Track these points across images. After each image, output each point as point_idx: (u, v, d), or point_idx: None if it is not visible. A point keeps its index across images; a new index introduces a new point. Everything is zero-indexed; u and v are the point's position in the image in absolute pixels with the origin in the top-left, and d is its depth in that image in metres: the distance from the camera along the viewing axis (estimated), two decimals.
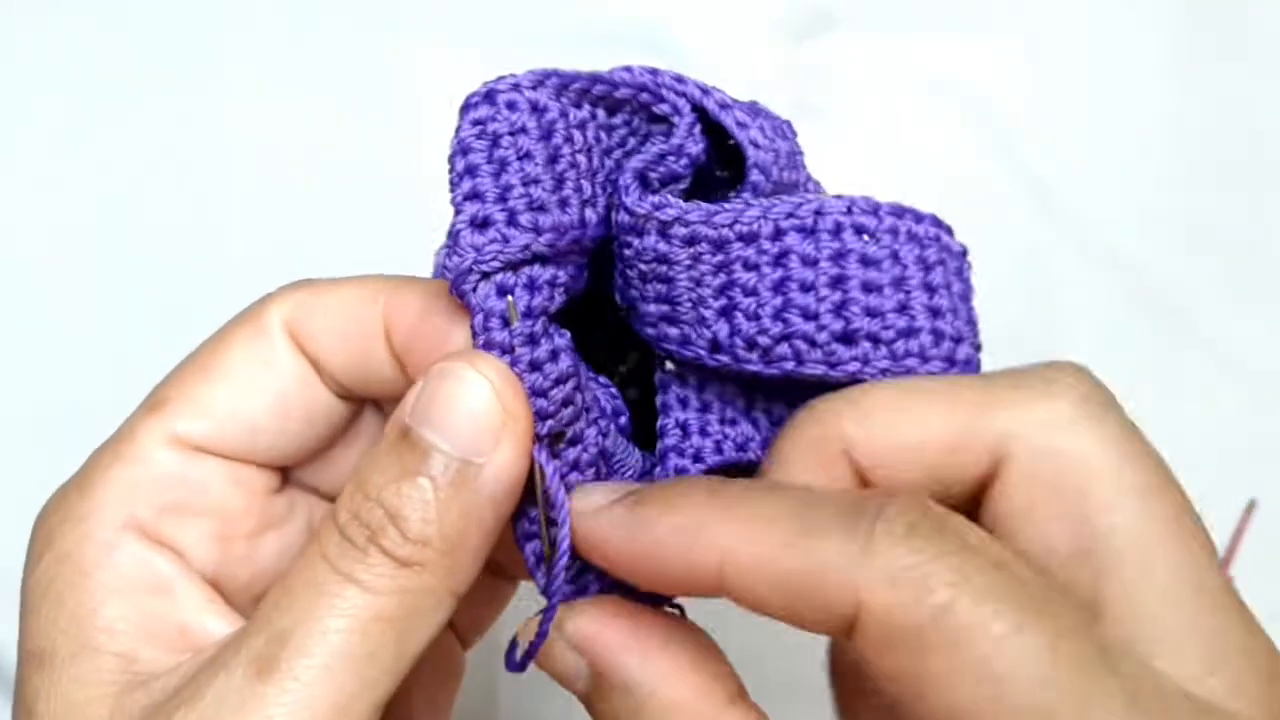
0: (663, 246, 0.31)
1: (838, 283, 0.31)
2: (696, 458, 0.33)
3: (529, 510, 0.32)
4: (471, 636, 0.40)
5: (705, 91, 0.33)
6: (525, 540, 0.32)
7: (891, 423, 0.31)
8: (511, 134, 0.30)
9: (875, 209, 0.32)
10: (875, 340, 0.31)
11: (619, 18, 0.63)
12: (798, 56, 0.63)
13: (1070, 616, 0.27)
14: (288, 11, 0.63)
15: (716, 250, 0.31)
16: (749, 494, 0.30)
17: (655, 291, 0.32)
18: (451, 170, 0.30)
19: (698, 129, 0.33)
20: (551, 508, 0.31)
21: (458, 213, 0.30)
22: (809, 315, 0.31)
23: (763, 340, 0.31)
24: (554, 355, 0.31)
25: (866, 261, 0.31)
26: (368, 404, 0.37)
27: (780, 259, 0.31)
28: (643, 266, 0.32)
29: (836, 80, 0.63)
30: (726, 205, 0.32)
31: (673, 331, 0.33)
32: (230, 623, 0.33)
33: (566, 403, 0.31)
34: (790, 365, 0.32)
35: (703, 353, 0.32)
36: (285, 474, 0.36)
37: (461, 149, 0.30)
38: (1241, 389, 0.62)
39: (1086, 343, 0.62)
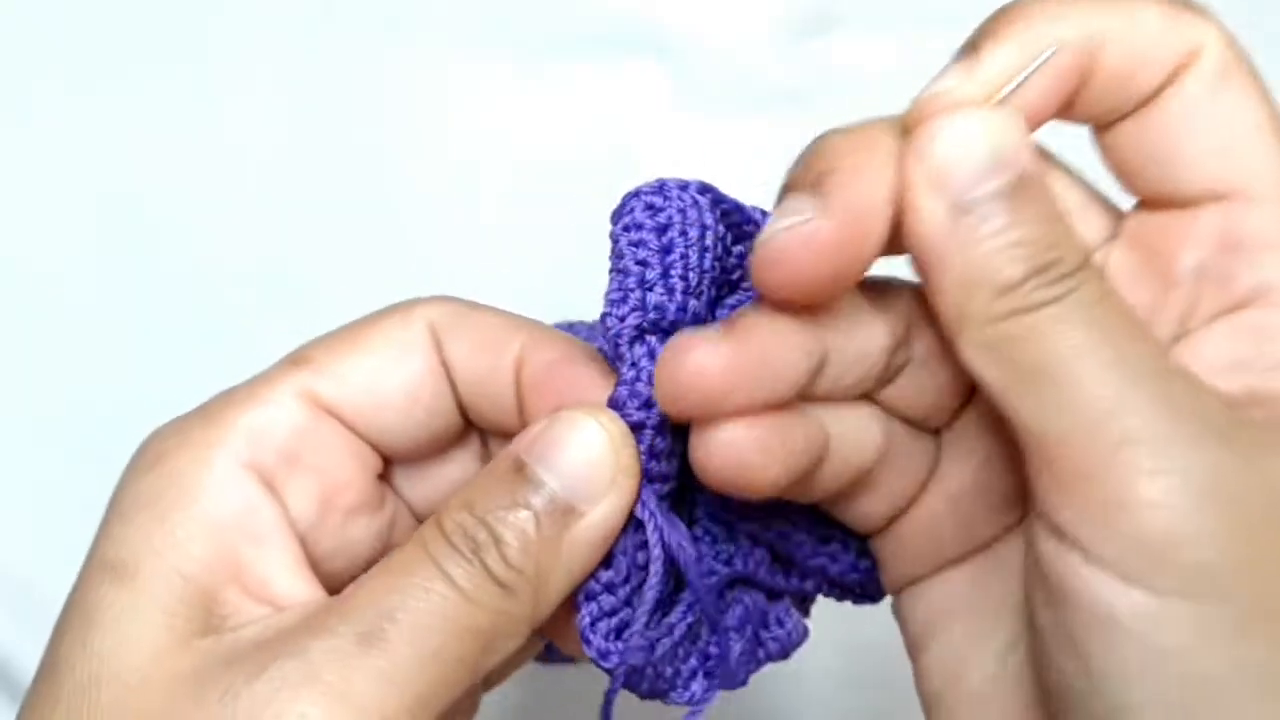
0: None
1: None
2: (728, 562, 0.35)
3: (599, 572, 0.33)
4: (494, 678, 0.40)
5: None
6: (586, 600, 0.33)
7: None
8: (682, 225, 0.33)
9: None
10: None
11: (619, 18, 0.63)
12: (798, 56, 0.63)
13: None
14: (288, 12, 0.63)
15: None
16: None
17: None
18: (620, 239, 0.33)
19: None
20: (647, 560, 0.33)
21: (626, 274, 0.33)
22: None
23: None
24: (674, 429, 0.33)
25: None
26: (472, 432, 0.38)
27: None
28: None
29: (836, 80, 0.63)
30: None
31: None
32: (311, 589, 0.33)
33: (669, 477, 0.33)
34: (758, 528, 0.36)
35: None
36: (386, 466, 0.37)
37: (636, 224, 0.33)
38: None
39: None
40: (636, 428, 0.32)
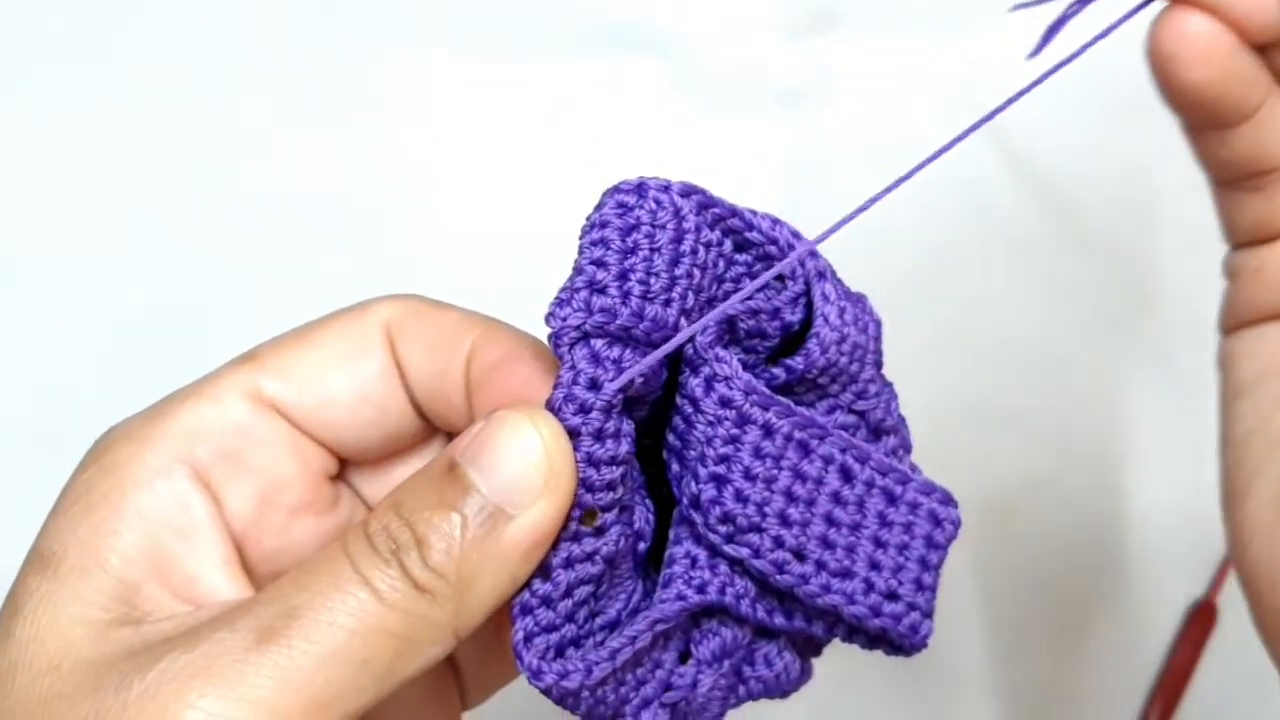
0: (699, 392, 0.33)
1: (829, 520, 0.33)
2: (701, 589, 0.33)
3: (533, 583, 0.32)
4: (475, 697, 0.39)
5: (821, 274, 0.34)
6: (521, 614, 0.32)
7: None
8: (651, 226, 0.32)
9: (904, 480, 0.34)
10: (821, 566, 0.33)
11: (619, 18, 0.63)
12: (798, 55, 0.63)
13: None
14: (288, 11, 0.62)
15: (740, 424, 0.33)
16: None
17: (678, 426, 0.34)
18: (584, 236, 0.32)
19: (802, 302, 0.34)
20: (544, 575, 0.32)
21: (579, 273, 0.32)
22: (786, 523, 0.33)
23: (739, 522, 0.33)
24: (618, 435, 0.32)
25: (862, 507, 0.34)
26: (437, 434, 0.37)
27: (784, 463, 0.33)
28: (679, 398, 0.33)
29: (836, 79, 0.63)
30: (776, 397, 0.33)
31: (674, 467, 0.34)
32: (239, 589, 0.33)
33: (611, 486, 0.32)
34: (746, 554, 0.33)
35: (684, 502, 0.33)
36: (343, 468, 0.37)
37: (601, 222, 0.32)
38: None
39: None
40: (572, 433, 0.31)
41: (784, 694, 0.36)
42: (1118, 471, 0.65)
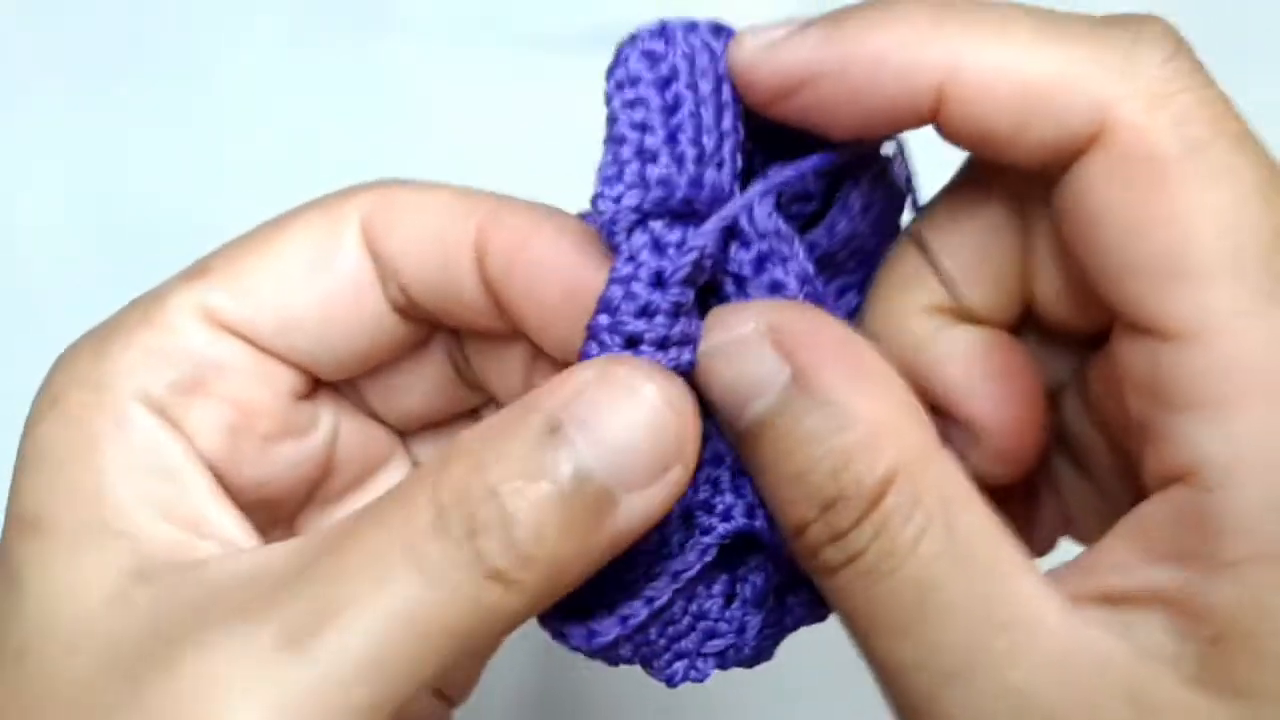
0: (748, 270, 0.28)
1: None
2: (726, 516, 0.28)
3: None
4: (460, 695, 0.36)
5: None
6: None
7: (997, 47, 0.26)
8: (689, 76, 0.27)
9: None
10: None
11: (619, 18, 0.63)
12: None
13: None
14: (287, 10, 0.62)
15: None
16: (977, 4, 0.26)
17: (713, 306, 0.29)
18: (614, 98, 0.27)
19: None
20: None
21: (619, 141, 0.26)
22: None
23: None
24: (685, 342, 0.27)
25: None
26: (436, 334, 0.33)
27: None
28: (719, 273, 0.28)
29: None
30: (827, 292, 0.29)
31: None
32: (235, 518, 0.30)
33: None
34: None
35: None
36: (317, 381, 0.32)
37: (631, 78, 0.27)
38: None
39: None
40: (632, 341, 0.26)
41: (822, 617, 0.31)
42: None
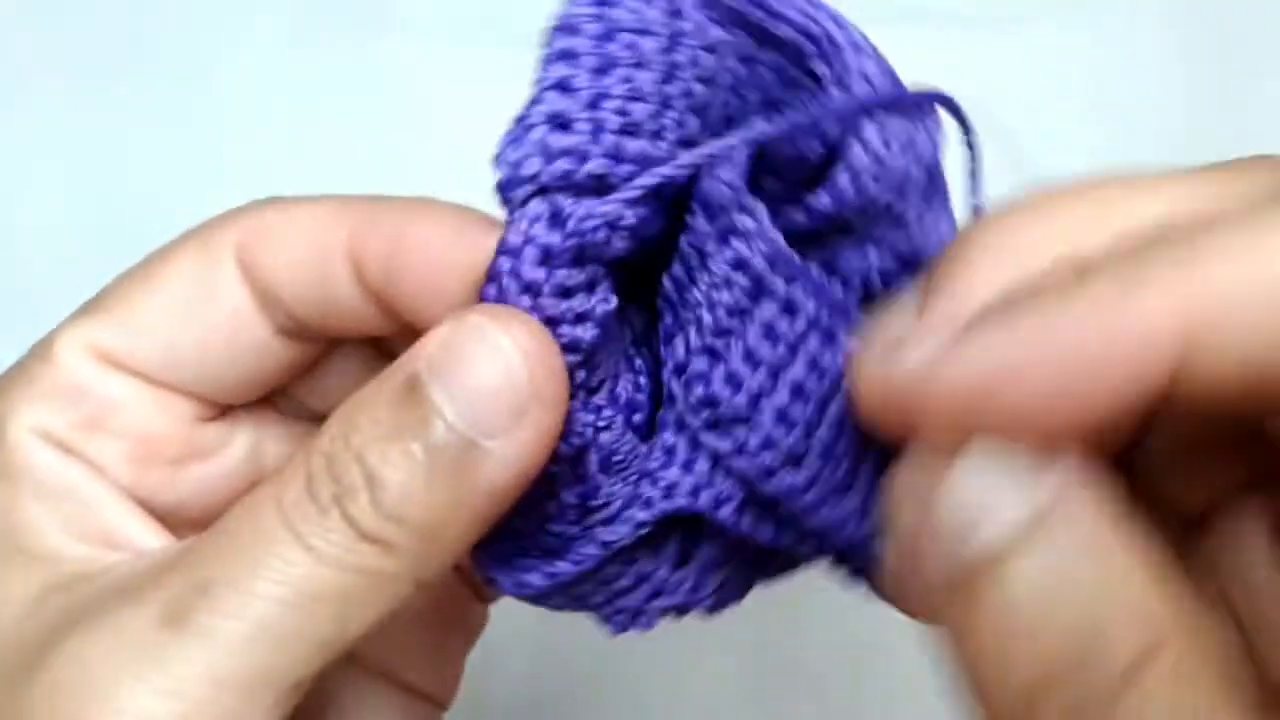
0: (710, 244, 0.25)
1: (839, 425, 0.25)
2: (668, 493, 0.26)
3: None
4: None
5: (865, 62, 0.25)
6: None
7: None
8: (633, 32, 0.24)
9: None
10: (812, 481, 0.26)
11: None
12: None
13: None
14: (287, 10, 0.62)
15: (754, 294, 0.25)
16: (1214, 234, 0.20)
17: (677, 274, 0.26)
18: (547, 49, 0.24)
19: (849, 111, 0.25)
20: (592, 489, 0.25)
21: (536, 102, 0.24)
22: (784, 421, 0.25)
23: (723, 411, 0.25)
24: (581, 319, 0.25)
25: None
26: (347, 344, 0.32)
27: (801, 351, 0.25)
28: (683, 239, 0.26)
29: None
30: (808, 268, 0.25)
31: (668, 320, 0.27)
32: (156, 533, 0.30)
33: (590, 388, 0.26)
34: (726, 448, 0.25)
35: (669, 365, 0.26)
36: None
37: (567, 26, 0.24)
38: None
39: None
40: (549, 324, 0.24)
41: (800, 563, 0.29)
42: None
